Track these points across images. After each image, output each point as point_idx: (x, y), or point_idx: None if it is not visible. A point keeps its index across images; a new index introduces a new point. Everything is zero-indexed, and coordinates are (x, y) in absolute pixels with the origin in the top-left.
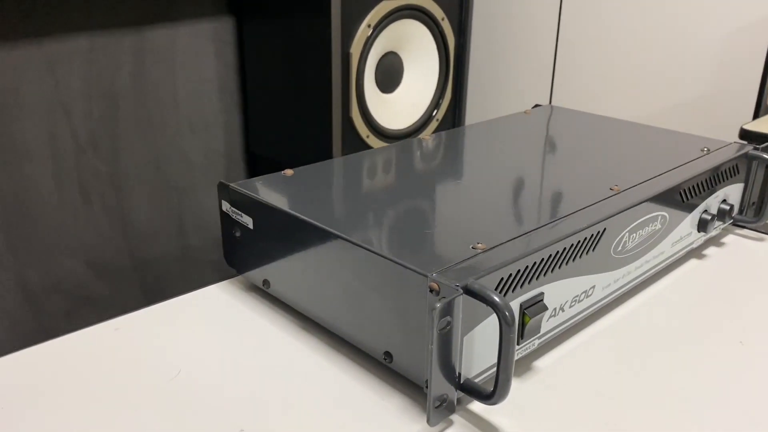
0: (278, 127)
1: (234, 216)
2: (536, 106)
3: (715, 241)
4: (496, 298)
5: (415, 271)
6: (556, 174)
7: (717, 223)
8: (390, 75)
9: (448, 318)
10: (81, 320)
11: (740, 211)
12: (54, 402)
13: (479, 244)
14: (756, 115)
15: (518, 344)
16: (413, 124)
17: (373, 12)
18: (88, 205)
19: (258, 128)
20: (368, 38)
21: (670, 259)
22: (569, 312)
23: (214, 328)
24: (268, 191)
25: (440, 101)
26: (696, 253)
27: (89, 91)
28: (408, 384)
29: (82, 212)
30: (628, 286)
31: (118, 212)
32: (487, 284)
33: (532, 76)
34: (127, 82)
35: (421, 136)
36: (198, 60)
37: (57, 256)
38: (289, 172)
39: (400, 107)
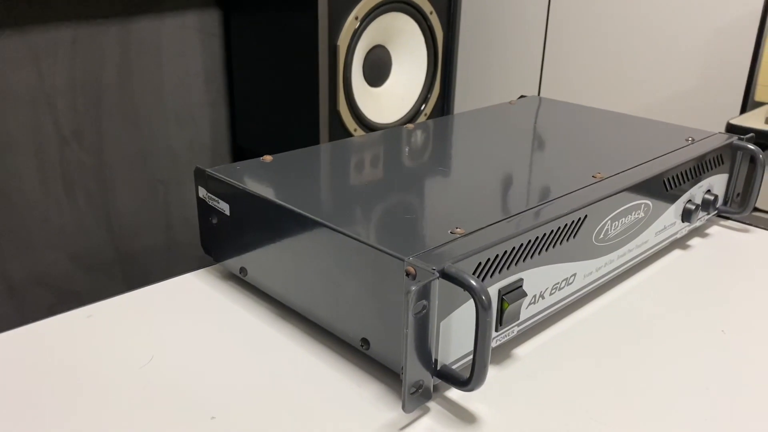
0: (265, 121)
1: (210, 202)
2: (522, 96)
3: (699, 232)
4: (473, 282)
5: (391, 255)
6: (539, 162)
7: (701, 214)
8: (378, 68)
9: (424, 302)
10: None
11: (725, 202)
12: (22, 389)
13: (458, 229)
14: (743, 110)
15: (497, 331)
16: (401, 117)
17: (360, 4)
18: (72, 198)
19: (244, 121)
20: (356, 31)
21: (654, 249)
22: (549, 300)
23: (189, 315)
24: (246, 177)
25: (428, 95)
26: (680, 243)
27: (74, 83)
28: (385, 371)
29: (65, 205)
30: (610, 275)
31: (103, 205)
32: (465, 268)
33: (520, 70)
34: (112, 74)
35: (405, 125)
36: (184, 52)
37: (40, 249)
38: (268, 158)
39: (388, 101)
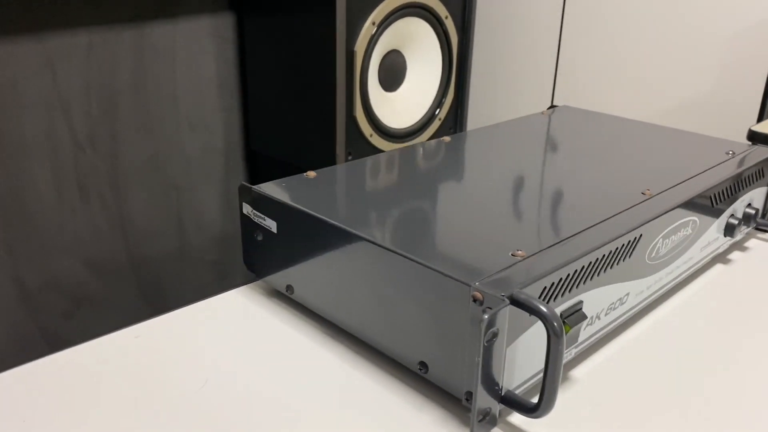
0: (279, 126)
1: (256, 219)
2: (552, 107)
3: (738, 246)
4: (545, 309)
5: (457, 280)
6: (585, 177)
7: (743, 228)
8: (393, 73)
9: (495, 329)
10: (79, 320)
11: (762, 215)
12: (78, 414)
13: (519, 252)
14: (761, 116)
15: None
16: (416, 123)
17: (377, 9)
18: (86, 203)
19: (258, 126)
20: (372, 36)
21: (698, 265)
22: (604, 320)
23: (237, 335)
24: (293, 194)
25: (443, 100)
26: (721, 258)
27: (88, 88)
28: (444, 395)
29: (80, 211)
30: (658, 293)
31: (117, 211)
32: (532, 294)
33: (534, 75)
34: (126, 79)
35: (442, 138)
36: (198, 57)
37: (54, 255)
38: (311, 174)
39: (402, 106)
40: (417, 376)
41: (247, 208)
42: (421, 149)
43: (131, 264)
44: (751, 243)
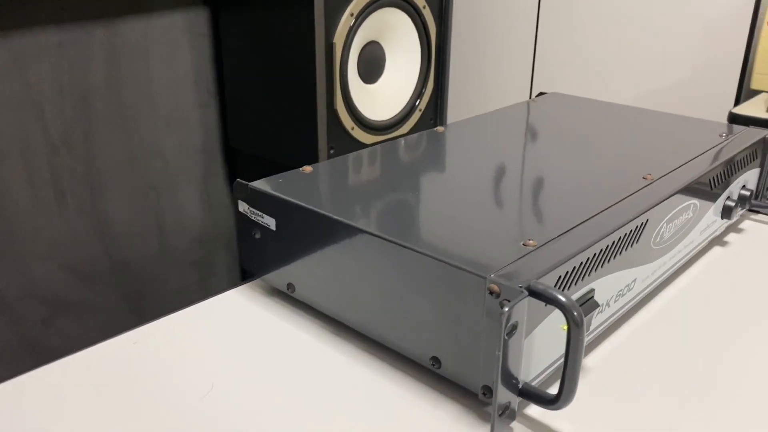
0: (258, 121)
1: (253, 217)
2: (541, 94)
3: (734, 228)
4: (564, 299)
5: (471, 272)
6: (586, 164)
7: (738, 210)
8: (372, 65)
9: (514, 322)
10: (59, 327)
11: (755, 196)
12: (77, 425)
13: (530, 241)
14: (738, 98)
15: None
16: (397, 114)
17: (356, 0)
18: (62, 206)
19: (237, 122)
20: (351, 28)
21: (698, 248)
22: (614, 307)
23: (240, 337)
24: (292, 189)
25: (423, 90)
26: (718, 240)
27: (60, 88)
28: (458, 390)
29: (56, 214)
30: (662, 278)
31: (94, 213)
32: (548, 284)
33: (512, 62)
34: (99, 78)
35: (436, 128)
36: (173, 53)
37: (31, 260)
38: (307, 168)
39: (383, 98)
40: (429, 372)
41: (243, 206)
42: (418, 140)
43: (111, 267)
44: (746, 224)
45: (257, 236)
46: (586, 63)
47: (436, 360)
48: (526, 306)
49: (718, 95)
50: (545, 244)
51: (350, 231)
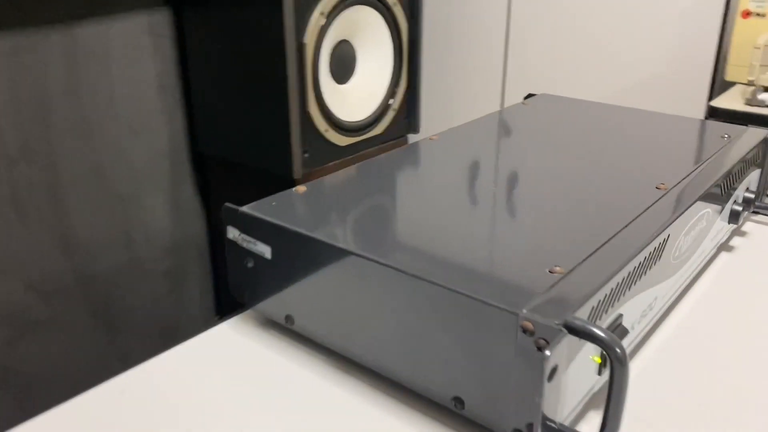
0: (228, 126)
1: (245, 245)
2: (529, 96)
3: (737, 232)
4: (606, 335)
5: (501, 308)
6: (595, 173)
7: (744, 213)
8: (343, 65)
9: (555, 364)
10: (25, 347)
11: (756, 197)
12: None
13: (557, 268)
14: (712, 90)
15: (599, 374)
16: (370, 115)
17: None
18: (23, 220)
19: (205, 127)
20: (322, 27)
21: (708, 256)
22: (637, 329)
23: (238, 377)
24: (288, 213)
25: (396, 89)
26: (724, 246)
27: (17, 96)
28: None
29: (17, 229)
30: (678, 292)
31: (58, 227)
32: (582, 317)
33: (484, 59)
34: (58, 85)
35: (429, 137)
36: (134, 56)
37: None
38: (301, 188)
39: (355, 98)
40: (450, 412)
41: (233, 232)
42: (413, 151)
43: (77, 282)
44: (748, 227)
45: (250, 264)
46: (558, 59)
47: (458, 400)
48: (565, 345)
49: (691, 87)
50: (572, 270)
51: (357, 261)
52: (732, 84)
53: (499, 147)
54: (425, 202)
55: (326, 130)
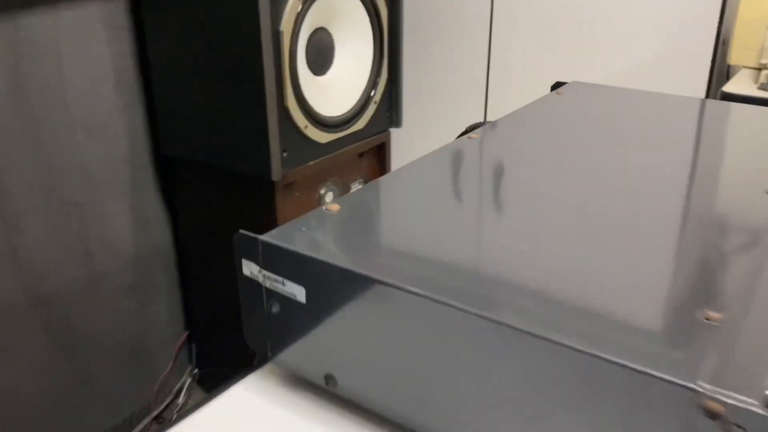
0: (195, 124)
1: (269, 284)
2: (559, 84)
3: None
4: None
5: (666, 380)
6: (689, 176)
7: None
8: (321, 55)
9: None
10: None
11: None
12: None
13: (712, 313)
14: (711, 73)
15: None
16: (351, 108)
17: None
18: None
19: (169, 126)
20: (299, 13)
21: None
22: None
23: None
24: (326, 243)
25: (377, 80)
26: None
27: None
28: None
29: None
30: None
31: (7, 244)
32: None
33: (467, 45)
34: (2, 84)
35: (467, 135)
36: (88, 50)
37: None
38: (333, 207)
39: (335, 91)
40: None
41: (250, 268)
42: (457, 153)
43: (31, 303)
44: None
45: (274, 309)
46: (546, 41)
47: None
48: None
49: (689, 74)
50: (736, 315)
51: (449, 313)
52: (734, 67)
53: (562, 147)
54: (501, 222)
55: (306, 127)
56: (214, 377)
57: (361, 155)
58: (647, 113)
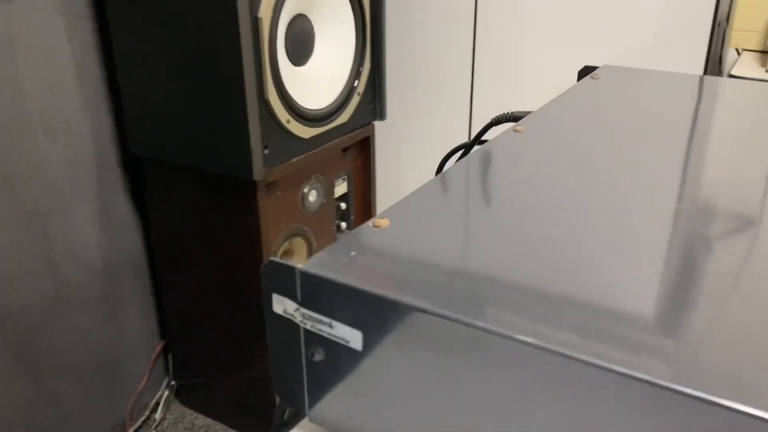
0: (166, 121)
1: (311, 325)
2: (588, 68)
3: None
4: None
5: None
6: (752, 166)
7: None
8: (300, 43)
9: None
10: None
11: None
12: None
13: None
14: (709, 56)
15: None
16: (335, 101)
17: None
18: None
19: (138, 124)
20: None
21: None
22: None
23: None
24: (388, 273)
25: (360, 69)
26: None
27: None
28: None
29: None
30: None
31: None
32: None
33: (452, 30)
34: None
35: (513, 127)
36: (46, 42)
37: None
38: (381, 223)
39: (316, 81)
40: None
41: (284, 305)
42: (507, 149)
43: None
44: None
45: (317, 357)
46: (534, 25)
47: None
48: None
49: (684, 56)
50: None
51: (569, 366)
52: (721, 51)
53: (631, 140)
54: (598, 235)
55: (288, 121)
56: (193, 389)
57: (344, 150)
58: (688, 96)
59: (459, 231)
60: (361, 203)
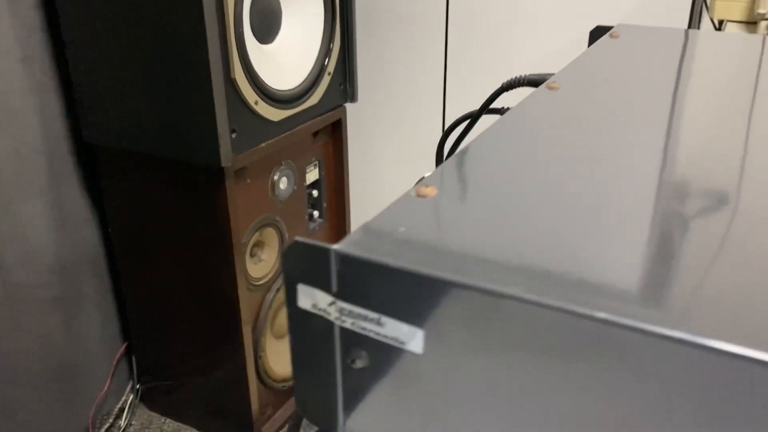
0: (124, 105)
1: (351, 323)
2: (601, 28)
3: None
4: None
5: None
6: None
7: None
8: (266, 19)
9: None
10: None
11: None
12: None
13: None
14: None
15: None
16: (303, 81)
17: None
18: None
19: (92, 109)
20: None
21: None
22: None
23: None
24: (451, 253)
25: (330, 46)
26: None
27: None
28: None
29: None
30: None
31: None
32: None
33: (422, 10)
34: None
35: (548, 84)
36: None
37: None
38: (426, 191)
39: (284, 60)
40: None
41: (313, 298)
42: (546, 110)
43: None
44: None
45: (361, 363)
46: (507, 2)
47: None
48: None
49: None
50: None
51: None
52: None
53: (685, 97)
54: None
55: (256, 102)
56: (160, 392)
57: (315, 134)
58: (723, 53)
59: (528, 200)
60: (333, 191)
